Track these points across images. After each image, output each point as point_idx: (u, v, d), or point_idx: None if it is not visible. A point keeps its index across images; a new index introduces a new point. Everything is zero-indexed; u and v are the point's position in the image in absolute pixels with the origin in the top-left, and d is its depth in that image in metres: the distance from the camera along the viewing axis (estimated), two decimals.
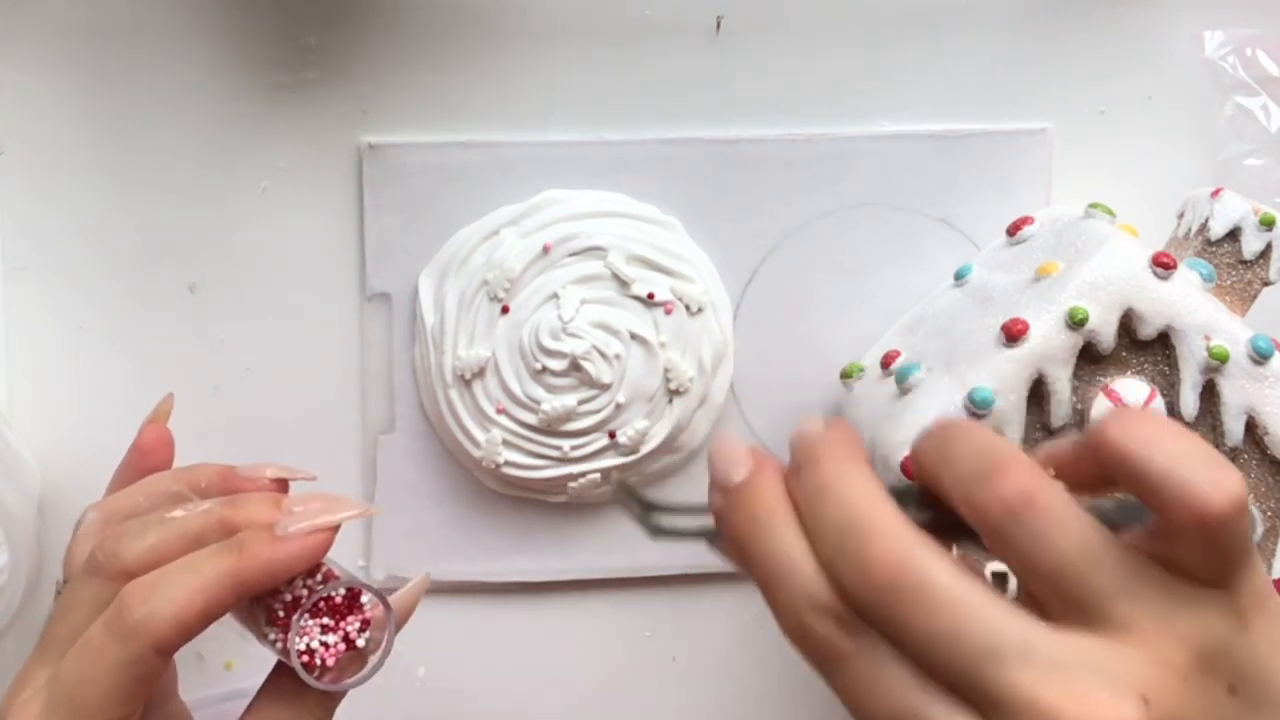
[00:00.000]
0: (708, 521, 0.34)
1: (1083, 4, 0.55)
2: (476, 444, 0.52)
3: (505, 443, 0.52)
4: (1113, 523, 0.31)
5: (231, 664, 0.54)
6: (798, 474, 0.32)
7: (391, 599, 0.40)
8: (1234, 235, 0.48)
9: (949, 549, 0.31)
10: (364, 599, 0.39)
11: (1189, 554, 0.30)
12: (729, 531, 0.32)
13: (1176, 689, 0.29)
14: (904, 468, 0.45)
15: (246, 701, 0.40)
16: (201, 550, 0.37)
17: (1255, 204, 0.48)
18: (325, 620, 0.38)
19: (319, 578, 0.38)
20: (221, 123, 0.52)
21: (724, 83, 0.54)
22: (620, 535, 0.55)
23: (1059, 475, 0.32)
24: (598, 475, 0.53)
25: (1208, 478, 0.29)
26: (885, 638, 0.30)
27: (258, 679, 0.40)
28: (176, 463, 0.45)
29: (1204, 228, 0.49)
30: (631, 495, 0.35)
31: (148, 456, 0.44)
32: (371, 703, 0.47)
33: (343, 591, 0.38)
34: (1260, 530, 0.48)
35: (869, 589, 0.30)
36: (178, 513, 0.38)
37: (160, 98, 0.52)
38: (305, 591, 0.38)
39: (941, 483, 0.32)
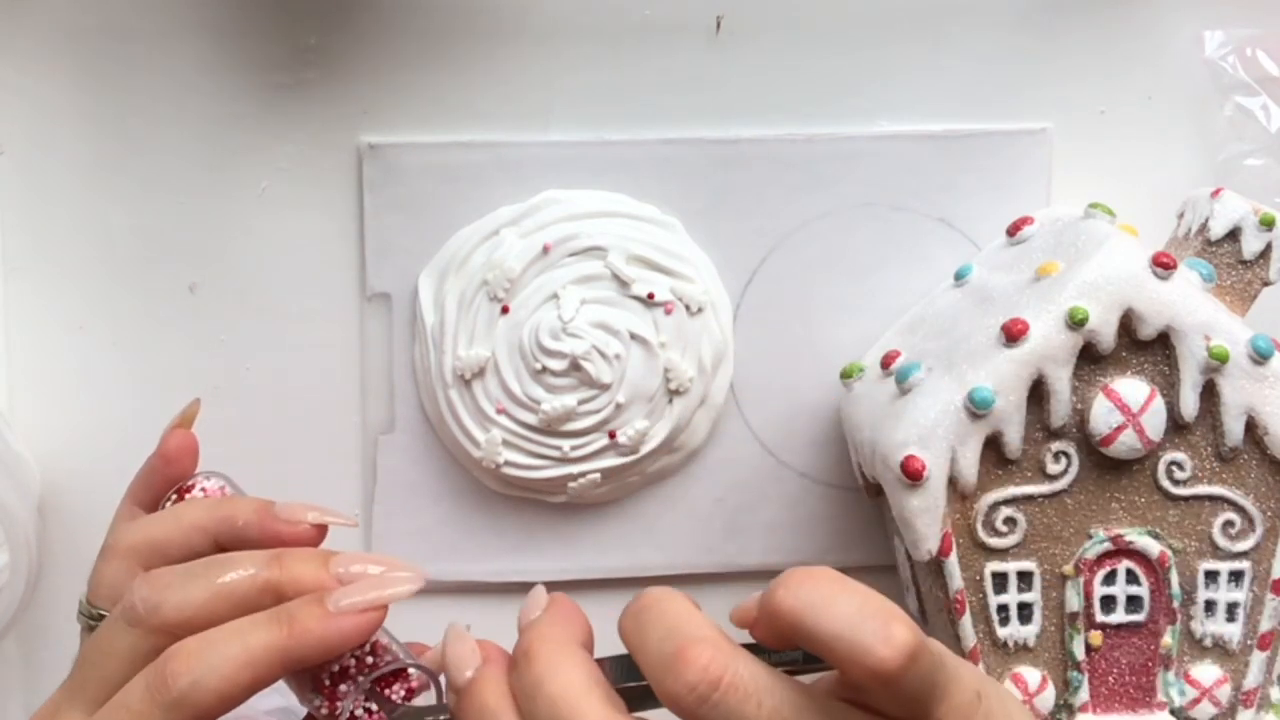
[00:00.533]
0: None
1: (1083, 4, 0.55)
2: (476, 444, 0.53)
3: (505, 443, 0.52)
4: (805, 668, 0.32)
5: None
6: (516, 668, 0.34)
7: (428, 655, 0.39)
8: (1234, 235, 0.48)
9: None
10: (411, 673, 0.38)
11: (879, 702, 0.31)
12: None
13: None
14: (904, 467, 0.45)
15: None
16: (250, 619, 0.36)
17: (1255, 204, 0.48)
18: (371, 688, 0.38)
19: (367, 647, 0.38)
20: (222, 123, 0.52)
21: (724, 83, 0.54)
22: (620, 535, 0.55)
23: (755, 634, 0.33)
24: (598, 475, 0.53)
25: (874, 635, 0.30)
26: None
27: None
28: None
29: (1204, 228, 0.49)
30: (401, 713, 0.38)
31: (172, 464, 0.43)
32: None
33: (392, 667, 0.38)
34: (1260, 530, 0.48)
35: None
36: (227, 576, 0.37)
37: (160, 98, 0.52)
38: (353, 661, 0.38)
39: (640, 667, 0.33)
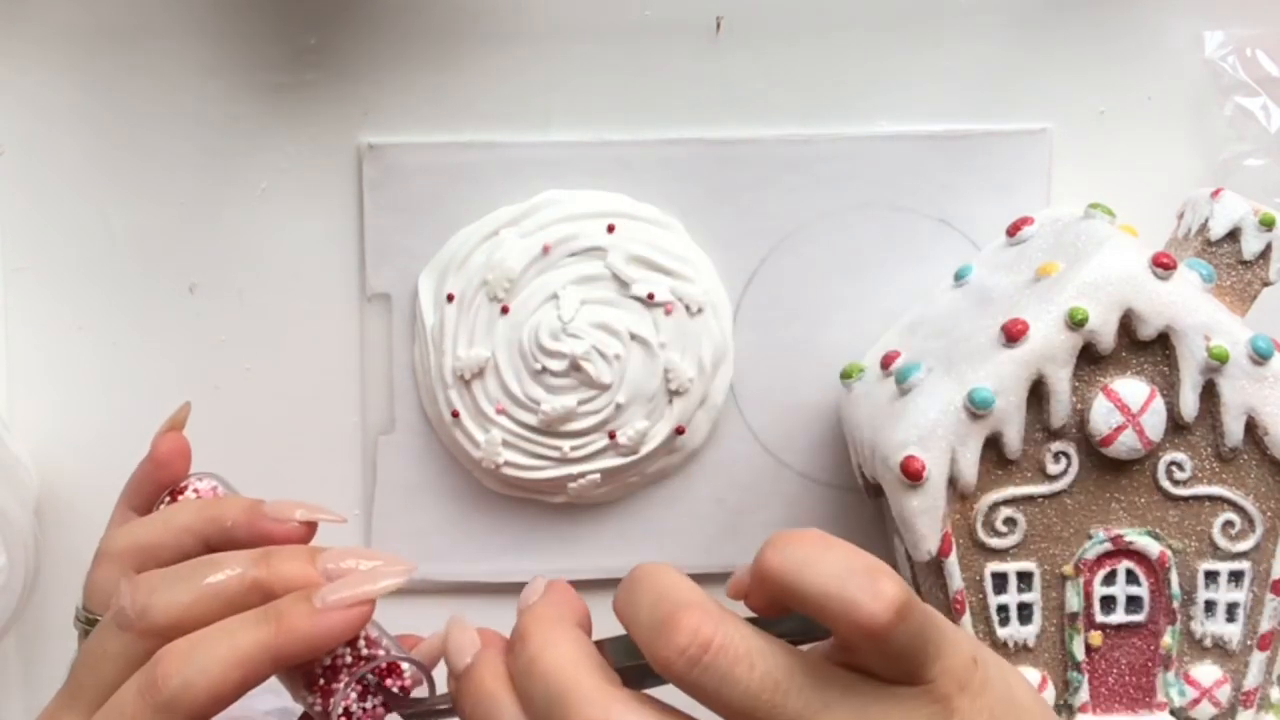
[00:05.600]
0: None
1: (1083, 4, 0.55)
2: (476, 444, 0.53)
3: (505, 443, 0.52)
4: (799, 638, 0.32)
5: None
6: (512, 649, 0.35)
7: (422, 646, 0.39)
8: (1234, 236, 0.48)
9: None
10: (404, 667, 0.38)
11: (871, 661, 0.31)
12: (461, 714, 0.35)
13: None
14: (904, 467, 0.45)
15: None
16: (238, 618, 0.36)
17: (1255, 204, 0.48)
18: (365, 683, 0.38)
19: (360, 643, 0.38)
20: (222, 123, 0.52)
21: (724, 83, 0.54)
22: (620, 535, 0.55)
23: (750, 603, 0.33)
24: (598, 475, 0.53)
25: (864, 591, 0.30)
26: None
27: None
28: None
29: (1204, 228, 0.49)
30: (400, 703, 0.38)
31: (164, 468, 0.42)
32: None
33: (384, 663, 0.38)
34: (1260, 530, 0.48)
35: None
36: (214, 577, 0.37)
37: (160, 98, 0.52)
38: (346, 657, 0.37)
39: (632, 637, 0.33)
